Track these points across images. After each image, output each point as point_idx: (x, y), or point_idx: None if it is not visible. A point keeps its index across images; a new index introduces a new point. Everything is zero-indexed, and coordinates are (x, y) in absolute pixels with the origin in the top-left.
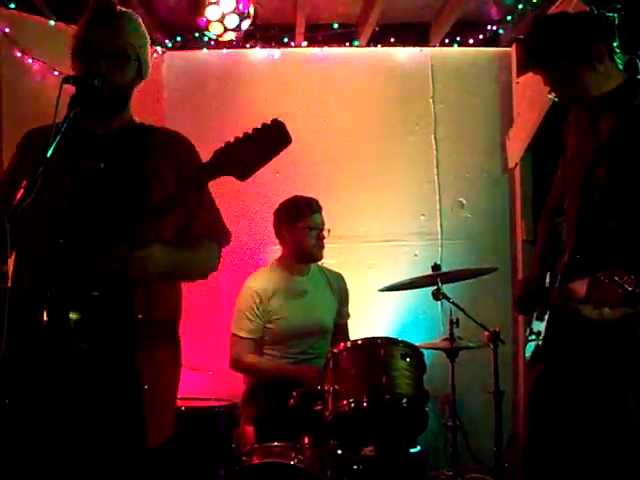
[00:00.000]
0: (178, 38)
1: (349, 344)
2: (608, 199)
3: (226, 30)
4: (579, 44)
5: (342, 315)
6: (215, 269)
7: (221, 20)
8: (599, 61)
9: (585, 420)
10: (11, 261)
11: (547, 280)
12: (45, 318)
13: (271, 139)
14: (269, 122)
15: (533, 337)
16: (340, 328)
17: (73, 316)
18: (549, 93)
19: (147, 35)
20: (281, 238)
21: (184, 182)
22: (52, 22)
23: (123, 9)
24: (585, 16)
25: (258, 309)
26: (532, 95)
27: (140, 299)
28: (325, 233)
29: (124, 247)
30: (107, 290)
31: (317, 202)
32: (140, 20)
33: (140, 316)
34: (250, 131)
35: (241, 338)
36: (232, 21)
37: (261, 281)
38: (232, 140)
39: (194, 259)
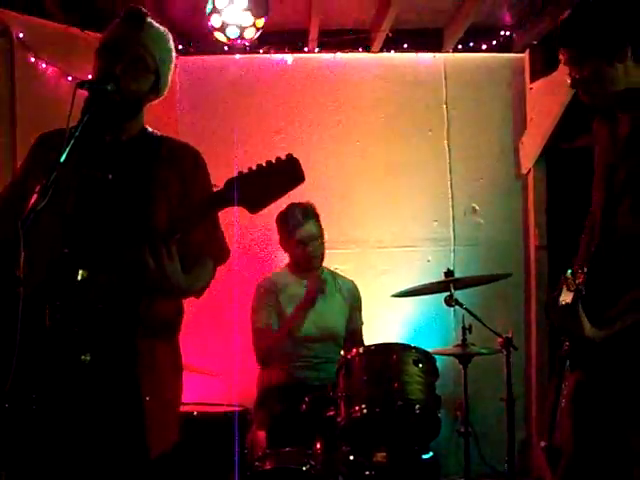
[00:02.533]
0: (191, 43)
1: (362, 350)
2: (625, 206)
3: (229, 39)
4: (611, 40)
5: (354, 321)
6: (207, 287)
7: (222, 29)
8: (621, 61)
9: (623, 425)
10: None
11: None
12: (47, 328)
13: (285, 176)
14: (284, 157)
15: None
16: (354, 334)
17: (74, 329)
18: (568, 76)
19: (173, 55)
20: (283, 248)
21: (191, 210)
22: (66, 27)
23: (155, 23)
24: (615, 15)
25: (273, 305)
26: (546, 101)
27: (143, 309)
28: (319, 240)
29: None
30: (112, 303)
31: (307, 210)
32: (170, 39)
33: (142, 326)
34: (264, 164)
35: (261, 329)
36: (232, 32)
37: (272, 282)
38: (245, 171)
39: (194, 281)
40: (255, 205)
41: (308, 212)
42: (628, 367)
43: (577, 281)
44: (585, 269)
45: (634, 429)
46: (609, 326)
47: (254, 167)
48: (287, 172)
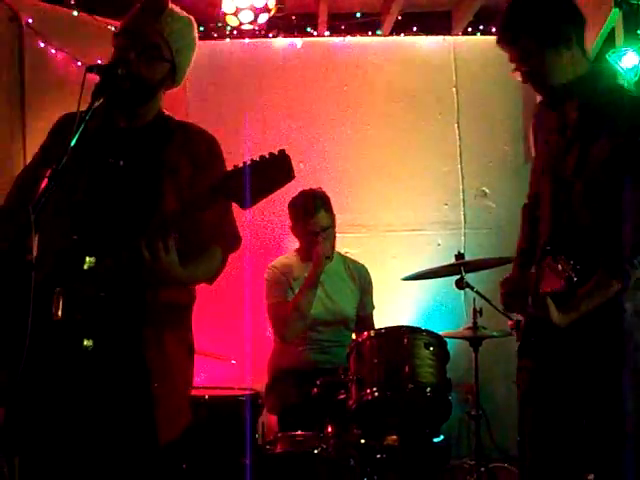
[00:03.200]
0: (201, 28)
1: (372, 333)
2: (578, 189)
3: (242, 23)
4: (547, 24)
5: (365, 306)
6: (218, 276)
7: (235, 14)
8: (567, 46)
9: (580, 410)
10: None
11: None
12: (55, 314)
13: (276, 172)
14: (276, 152)
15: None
16: (365, 319)
17: (78, 315)
18: (513, 72)
19: (194, 43)
20: (293, 234)
21: (187, 204)
22: (75, 13)
23: (177, 9)
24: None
25: (285, 280)
26: None
27: (150, 296)
28: (330, 231)
29: (150, 246)
30: (116, 291)
31: (318, 200)
32: (193, 28)
33: (150, 313)
34: (257, 158)
35: (278, 303)
36: (247, 16)
37: (284, 265)
38: (239, 165)
39: (198, 271)
40: (246, 200)
41: (319, 201)
42: (591, 352)
43: (562, 268)
44: (565, 257)
45: (587, 414)
46: (575, 310)
47: (247, 161)
48: (278, 168)
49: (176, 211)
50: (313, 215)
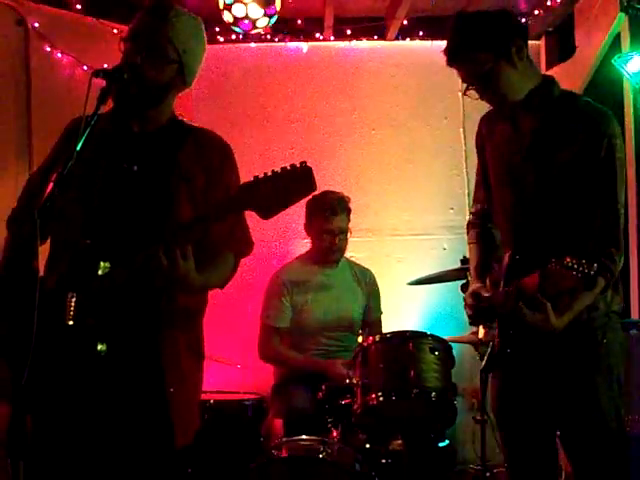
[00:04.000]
0: (207, 32)
1: (378, 338)
2: (540, 200)
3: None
4: (499, 38)
5: (373, 311)
6: (229, 280)
7: (235, 24)
8: (519, 57)
9: (556, 415)
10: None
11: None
12: (67, 319)
13: (297, 184)
14: (298, 165)
15: (488, 349)
16: (373, 324)
17: (90, 320)
18: (465, 91)
19: (203, 42)
20: (307, 232)
21: (208, 214)
22: (81, 17)
23: (182, 10)
24: (503, 14)
25: (286, 299)
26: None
27: (165, 302)
28: (345, 235)
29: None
30: (131, 297)
31: (343, 202)
32: (201, 29)
33: (164, 318)
34: (278, 170)
35: (270, 327)
36: (245, 24)
37: (289, 273)
38: (260, 177)
39: (212, 278)
40: (267, 211)
41: (344, 204)
42: (565, 352)
43: (575, 267)
44: (568, 257)
45: (564, 418)
46: (569, 311)
47: (269, 173)
48: (300, 180)
49: (195, 219)
50: (336, 214)
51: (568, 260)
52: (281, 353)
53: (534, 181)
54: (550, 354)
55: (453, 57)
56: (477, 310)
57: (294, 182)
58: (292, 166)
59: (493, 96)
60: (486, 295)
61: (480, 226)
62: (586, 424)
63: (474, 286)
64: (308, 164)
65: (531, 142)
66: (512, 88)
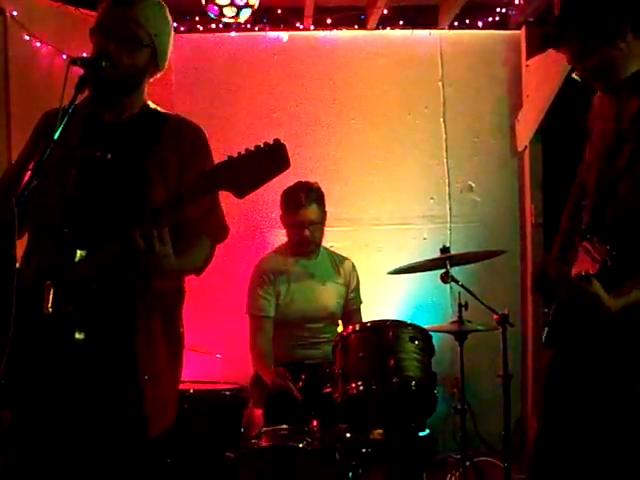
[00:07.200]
0: (186, 21)
1: (358, 327)
2: (627, 183)
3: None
4: (607, 21)
5: (353, 301)
6: (206, 266)
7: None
8: (622, 39)
9: (597, 402)
10: (22, 242)
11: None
12: (45, 308)
13: (271, 161)
14: (271, 142)
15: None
16: (352, 314)
17: (68, 308)
18: (572, 72)
19: (170, 25)
20: (282, 224)
21: (182, 195)
22: (60, 5)
23: None
24: None
25: (270, 287)
26: (542, 78)
27: (139, 288)
28: (318, 226)
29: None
30: (106, 284)
31: (312, 193)
32: (166, 10)
33: (139, 304)
34: (252, 149)
35: (258, 317)
36: (230, 11)
37: (270, 263)
38: (234, 156)
39: (188, 262)
40: (242, 190)
41: (313, 195)
42: (619, 344)
43: (598, 252)
44: (599, 241)
45: (605, 407)
46: (625, 296)
47: (242, 152)
48: (274, 157)
49: (170, 201)
50: (303, 207)
51: (594, 241)
52: (258, 355)
53: (624, 164)
54: (600, 338)
55: (556, 39)
56: (537, 278)
57: (268, 159)
58: (265, 144)
59: (597, 79)
60: (550, 268)
61: (576, 202)
62: (624, 413)
63: (547, 257)
64: (290, 152)
65: (628, 127)
66: (614, 70)
